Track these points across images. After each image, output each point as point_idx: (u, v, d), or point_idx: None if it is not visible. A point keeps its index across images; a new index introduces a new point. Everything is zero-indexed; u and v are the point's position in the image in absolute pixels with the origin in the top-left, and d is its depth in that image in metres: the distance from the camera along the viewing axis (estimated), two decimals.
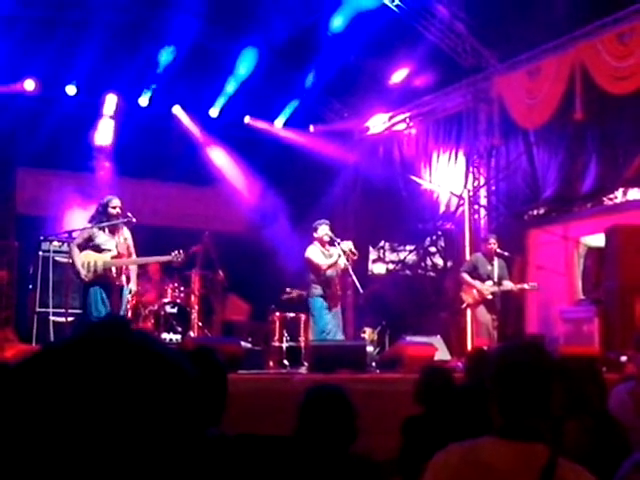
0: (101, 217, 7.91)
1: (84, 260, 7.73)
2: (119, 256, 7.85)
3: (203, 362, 2.70)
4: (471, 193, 12.00)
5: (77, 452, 0.82)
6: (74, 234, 8.11)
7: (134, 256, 8.12)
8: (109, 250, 7.81)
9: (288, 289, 10.46)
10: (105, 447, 0.82)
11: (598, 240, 9.90)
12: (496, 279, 9.45)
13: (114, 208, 7.91)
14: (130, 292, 8.16)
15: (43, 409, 0.83)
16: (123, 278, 7.96)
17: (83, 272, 7.66)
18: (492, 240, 9.65)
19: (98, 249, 7.79)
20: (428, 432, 3.78)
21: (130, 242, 8.04)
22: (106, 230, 7.89)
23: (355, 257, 8.88)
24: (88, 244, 7.83)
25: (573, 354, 6.32)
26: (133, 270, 8.22)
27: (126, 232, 8.04)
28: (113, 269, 7.83)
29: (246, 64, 12.12)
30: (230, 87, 12.48)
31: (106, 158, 12.13)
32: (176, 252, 8.29)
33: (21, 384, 0.86)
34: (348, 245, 8.80)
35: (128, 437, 0.83)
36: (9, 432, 0.83)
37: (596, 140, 10.29)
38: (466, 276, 9.59)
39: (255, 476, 2.63)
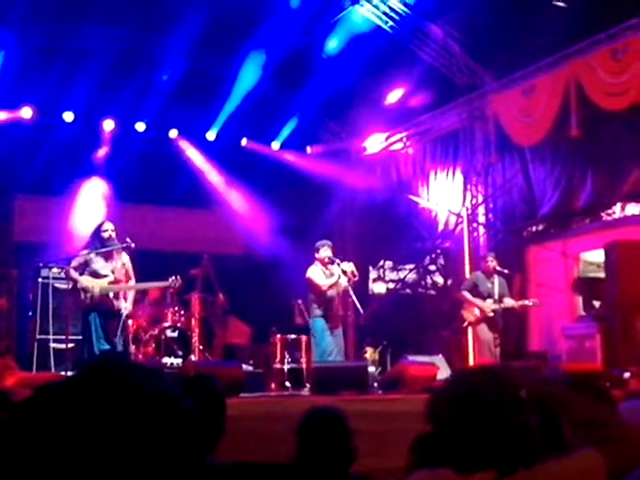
0: (95, 243, 7.92)
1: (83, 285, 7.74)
2: (116, 282, 7.84)
3: (202, 389, 2.69)
4: (469, 211, 12.01)
5: None
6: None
7: (133, 281, 8.11)
8: (106, 276, 7.81)
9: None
10: None
11: (597, 256, 9.89)
12: (497, 296, 9.43)
13: (105, 231, 7.90)
14: (126, 313, 7.97)
15: (43, 449, 0.83)
16: (122, 303, 7.95)
17: (85, 285, 7.66)
18: (490, 258, 9.65)
19: (95, 275, 7.79)
20: (439, 451, 3.74)
21: (129, 267, 8.04)
22: (102, 256, 7.88)
23: (356, 278, 8.87)
24: (85, 269, 7.83)
25: (576, 371, 6.29)
26: (130, 293, 8.20)
27: (124, 257, 8.03)
28: (111, 294, 7.82)
29: (242, 87, 12.16)
30: (226, 110, 12.52)
31: (104, 184, 12.15)
32: (173, 278, 8.32)
33: (19, 429, 0.86)
34: (350, 266, 8.79)
35: (124, 474, 0.83)
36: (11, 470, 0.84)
37: (592, 156, 10.31)
38: (467, 294, 9.57)
39: None
